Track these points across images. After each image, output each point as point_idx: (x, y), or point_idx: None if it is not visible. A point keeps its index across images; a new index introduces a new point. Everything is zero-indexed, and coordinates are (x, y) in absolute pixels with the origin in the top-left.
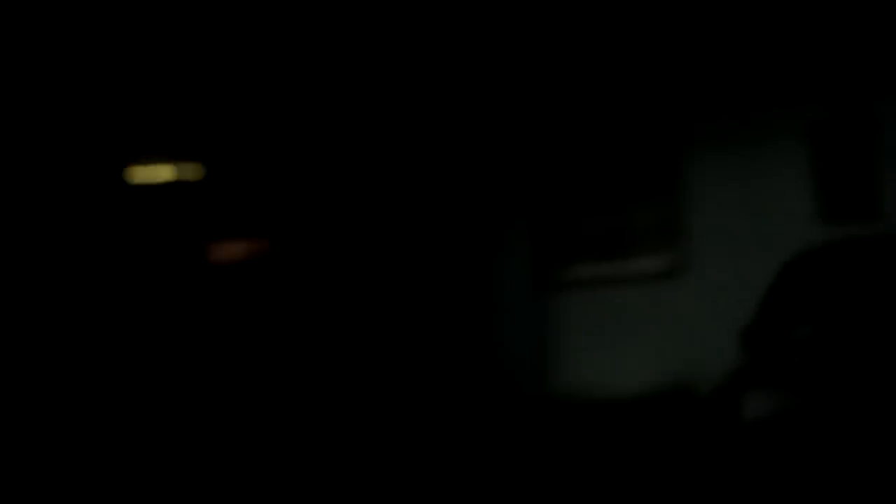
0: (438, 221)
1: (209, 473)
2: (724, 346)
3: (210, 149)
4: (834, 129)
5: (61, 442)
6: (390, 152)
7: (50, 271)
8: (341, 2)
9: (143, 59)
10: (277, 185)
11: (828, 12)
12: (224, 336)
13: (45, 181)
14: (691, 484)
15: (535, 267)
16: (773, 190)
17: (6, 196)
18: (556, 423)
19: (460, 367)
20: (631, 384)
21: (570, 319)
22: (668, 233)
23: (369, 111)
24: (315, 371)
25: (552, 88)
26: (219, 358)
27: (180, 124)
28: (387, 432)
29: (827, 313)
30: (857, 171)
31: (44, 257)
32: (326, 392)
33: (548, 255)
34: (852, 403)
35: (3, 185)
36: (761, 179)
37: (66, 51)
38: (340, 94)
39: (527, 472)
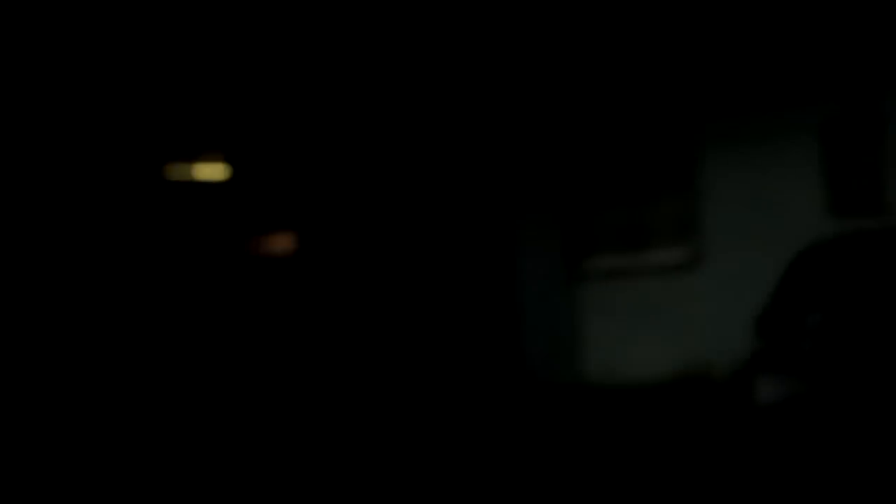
0: (478, 218)
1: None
2: (737, 333)
3: (242, 149)
4: (841, 128)
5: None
6: (439, 156)
7: (99, 262)
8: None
9: (185, 69)
10: (314, 180)
11: (834, 16)
12: (266, 324)
13: (101, 179)
14: (707, 462)
15: (565, 259)
16: (783, 185)
17: (69, 192)
18: (582, 403)
19: (497, 352)
20: (651, 368)
21: (596, 307)
22: (686, 226)
23: (414, 113)
24: (357, 352)
25: (582, 97)
26: (259, 345)
27: (215, 126)
28: (428, 412)
29: (836, 302)
30: (863, 168)
31: (93, 249)
32: (366, 373)
33: (577, 249)
34: (860, 388)
35: (67, 183)
36: (772, 175)
37: (113, 58)
38: (375, 94)
39: (556, 447)
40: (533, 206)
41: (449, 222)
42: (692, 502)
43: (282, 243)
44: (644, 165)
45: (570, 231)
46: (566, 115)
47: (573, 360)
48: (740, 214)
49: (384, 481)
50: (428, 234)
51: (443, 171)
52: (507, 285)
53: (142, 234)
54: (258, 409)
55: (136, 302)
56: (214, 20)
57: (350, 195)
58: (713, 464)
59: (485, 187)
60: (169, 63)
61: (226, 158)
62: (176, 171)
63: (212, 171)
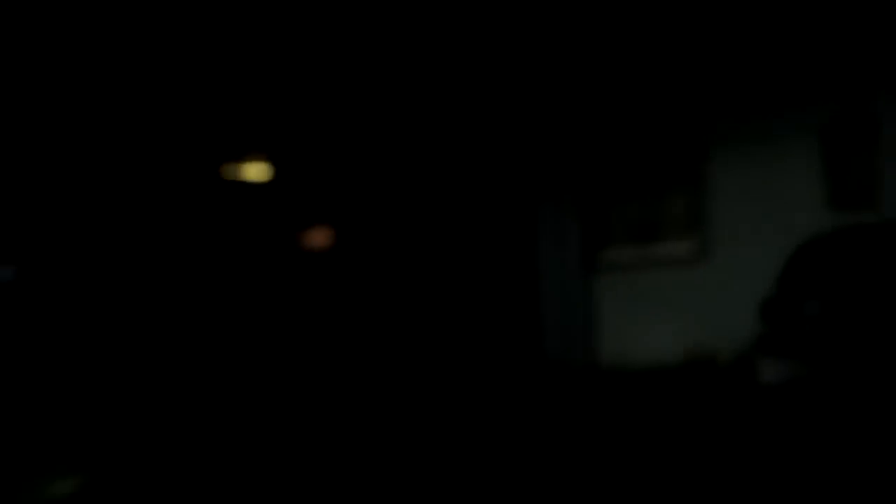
0: (502, 214)
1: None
2: (742, 319)
3: (284, 151)
4: (840, 128)
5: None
6: (469, 156)
7: (164, 257)
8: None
9: (234, 82)
10: (349, 179)
11: (834, 25)
12: (311, 308)
13: (167, 179)
14: (713, 438)
15: (582, 252)
16: (785, 182)
17: (146, 192)
18: (595, 384)
19: (518, 337)
20: (661, 352)
21: (610, 296)
22: (694, 221)
23: (447, 119)
24: (392, 333)
25: (600, 101)
26: (310, 332)
27: (262, 132)
28: (455, 390)
29: (834, 290)
30: (860, 165)
31: (160, 245)
32: (399, 352)
33: (593, 242)
34: (856, 369)
35: (148, 183)
36: (775, 173)
37: (183, 73)
38: (407, 99)
39: (574, 427)
40: (553, 203)
41: (476, 218)
42: (699, 476)
43: (321, 237)
44: (655, 165)
45: (587, 225)
46: (586, 118)
47: (588, 345)
48: (745, 209)
49: (417, 446)
50: (457, 228)
51: (472, 171)
52: (528, 276)
53: (201, 229)
54: (311, 380)
55: (200, 289)
56: (265, 46)
57: (386, 193)
58: (719, 440)
59: (509, 186)
60: (222, 77)
61: (269, 160)
62: (227, 172)
63: (257, 172)
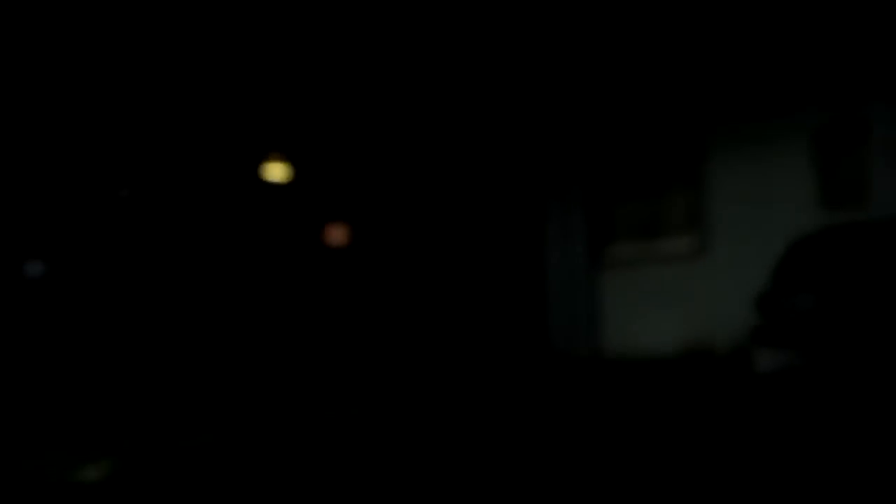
0: (512, 212)
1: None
2: (739, 312)
3: (306, 154)
4: (832, 131)
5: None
6: (482, 158)
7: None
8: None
9: (261, 91)
10: (365, 179)
11: (826, 34)
12: (332, 300)
13: (205, 179)
14: (711, 423)
15: (588, 248)
16: (780, 182)
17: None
18: (600, 373)
19: (526, 329)
20: (662, 343)
21: (614, 290)
22: (694, 219)
23: (461, 121)
24: (407, 324)
25: (603, 105)
26: (329, 322)
27: (286, 138)
28: (466, 378)
29: (826, 284)
30: (851, 166)
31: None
32: (413, 342)
33: (598, 239)
34: (847, 358)
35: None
36: (771, 173)
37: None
38: (420, 103)
39: (580, 413)
40: (560, 201)
41: (488, 215)
42: (697, 458)
43: (340, 234)
44: (657, 165)
45: (592, 222)
46: (593, 121)
47: (593, 337)
48: (742, 208)
49: (428, 431)
50: (469, 225)
51: (484, 171)
52: (537, 271)
53: (226, 227)
54: (329, 367)
55: (223, 284)
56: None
57: (401, 192)
58: (716, 424)
59: (519, 185)
60: (248, 85)
61: (292, 162)
62: (253, 173)
63: (280, 173)
